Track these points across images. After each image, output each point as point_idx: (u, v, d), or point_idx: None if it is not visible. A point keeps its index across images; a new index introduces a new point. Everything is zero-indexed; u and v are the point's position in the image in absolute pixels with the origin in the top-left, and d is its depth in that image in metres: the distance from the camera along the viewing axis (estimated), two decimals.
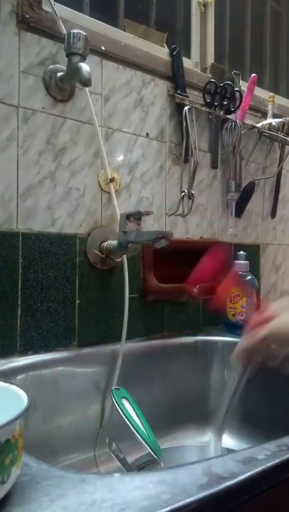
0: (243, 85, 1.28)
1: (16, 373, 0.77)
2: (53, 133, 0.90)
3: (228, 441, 0.96)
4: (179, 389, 0.99)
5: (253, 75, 1.25)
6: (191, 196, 1.10)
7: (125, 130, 1.03)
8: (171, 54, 1.13)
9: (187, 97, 1.12)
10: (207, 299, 0.70)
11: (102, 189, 0.97)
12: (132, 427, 0.79)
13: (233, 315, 1.11)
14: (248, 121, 1.28)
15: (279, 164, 1.40)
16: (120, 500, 0.37)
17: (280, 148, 1.39)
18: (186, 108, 1.10)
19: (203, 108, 1.17)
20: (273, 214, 1.42)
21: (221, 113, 1.21)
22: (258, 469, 0.43)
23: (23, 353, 0.85)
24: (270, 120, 1.33)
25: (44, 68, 0.89)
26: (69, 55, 0.84)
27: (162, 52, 1.13)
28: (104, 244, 0.95)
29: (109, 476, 0.42)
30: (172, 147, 1.13)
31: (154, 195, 1.09)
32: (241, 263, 1.14)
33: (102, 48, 0.97)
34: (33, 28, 0.87)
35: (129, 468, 0.81)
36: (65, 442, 0.82)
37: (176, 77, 1.12)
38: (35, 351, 0.86)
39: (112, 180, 0.96)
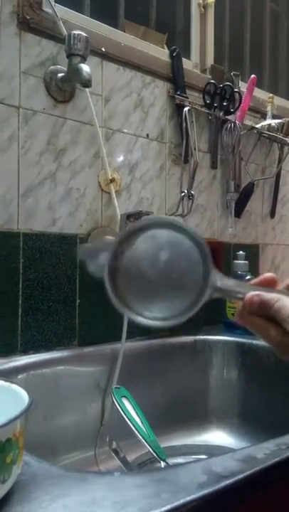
0: (243, 86, 1.28)
1: (17, 372, 0.78)
2: (54, 133, 0.91)
3: (228, 440, 0.96)
4: (179, 388, 0.99)
5: (252, 76, 1.25)
6: (190, 196, 1.10)
7: (125, 131, 1.03)
8: (171, 55, 1.13)
9: (187, 98, 1.12)
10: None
11: (102, 189, 0.98)
12: (132, 426, 0.79)
13: (233, 314, 1.12)
14: (248, 122, 1.29)
15: (278, 165, 1.40)
16: (120, 499, 0.37)
17: (279, 148, 1.40)
18: (186, 109, 1.10)
19: (203, 109, 1.17)
20: (272, 214, 1.42)
21: (221, 114, 1.21)
22: (257, 468, 0.43)
23: (24, 352, 0.85)
24: (269, 121, 1.33)
25: (45, 69, 0.89)
26: (69, 56, 0.84)
27: (162, 54, 1.13)
28: None
29: (110, 474, 0.42)
30: (172, 148, 1.13)
31: (154, 195, 1.09)
32: (240, 263, 1.14)
33: (103, 49, 0.98)
34: (33, 29, 0.88)
35: (129, 466, 0.82)
36: (65, 441, 0.82)
37: (176, 78, 1.12)
38: (36, 350, 0.86)
39: (112, 180, 0.96)
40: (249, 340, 1.02)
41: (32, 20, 0.86)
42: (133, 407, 0.83)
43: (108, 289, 0.40)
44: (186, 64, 1.19)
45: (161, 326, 0.42)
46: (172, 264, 0.41)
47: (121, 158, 1.02)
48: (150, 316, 0.41)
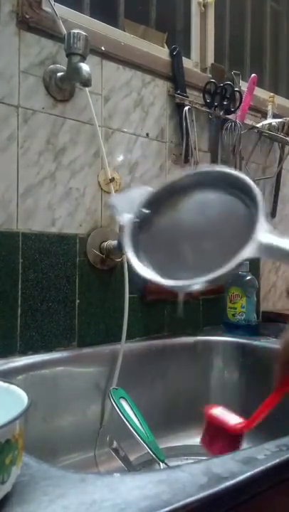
0: (243, 85, 1.28)
1: (16, 373, 0.77)
2: (53, 133, 0.90)
3: None
4: (179, 389, 0.99)
5: (253, 75, 1.25)
6: None
7: (125, 130, 1.03)
8: (171, 54, 1.13)
9: (187, 97, 1.12)
10: None
11: (102, 189, 0.97)
12: (130, 427, 0.79)
13: (233, 315, 1.11)
14: (248, 122, 1.28)
15: (279, 164, 1.40)
16: (120, 500, 0.36)
17: (280, 148, 1.39)
18: (186, 108, 1.10)
19: (203, 108, 1.17)
20: (273, 214, 1.42)
21: (221, 113, 1.21)
22: (257, 469, 0.42)
23: (23, 353, 0.85)
24: (270, 120, 1.32)
25: (44, 68, 0.89)
26: (69, 55, 0.84)
27: (162, 53, 1.13)
28: (104, 244, 0.95)
29: (109, 475, 0.41)
30: (172, 147, 1.13)
31: None
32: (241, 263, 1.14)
33: (102, 48, 0.97)
34: (33, 28, 0.87)
35: (130, 465, 0.81)
36: (65, 442, 0.82)
37: (176, 77, 1.12)
38: (36, 351, 0.86)
39: (112, 180, 0.96)
40: (250, 341, 1.02)
41: (31, 19, 0.86)
42: (131, 408, 0.83)
43: (126, 247, 0.34)
44: (187, 63, 1.18)
45: (188, 286, 0.36)
46: (214, 223, 0.36)
47: (121, 158, 1.02)
48: (176, 276, 0.35)
